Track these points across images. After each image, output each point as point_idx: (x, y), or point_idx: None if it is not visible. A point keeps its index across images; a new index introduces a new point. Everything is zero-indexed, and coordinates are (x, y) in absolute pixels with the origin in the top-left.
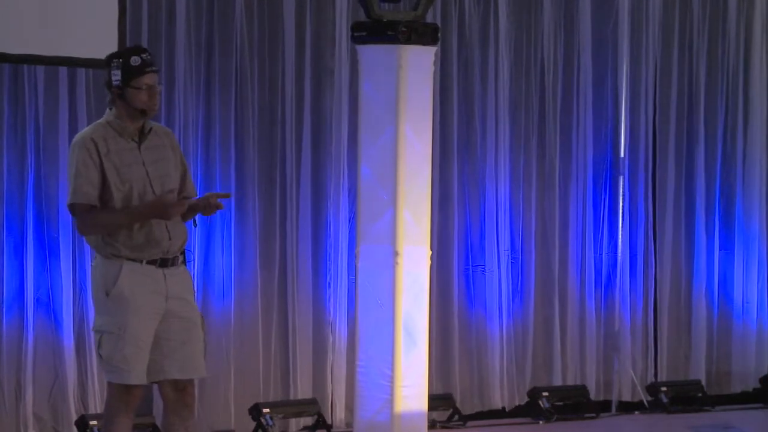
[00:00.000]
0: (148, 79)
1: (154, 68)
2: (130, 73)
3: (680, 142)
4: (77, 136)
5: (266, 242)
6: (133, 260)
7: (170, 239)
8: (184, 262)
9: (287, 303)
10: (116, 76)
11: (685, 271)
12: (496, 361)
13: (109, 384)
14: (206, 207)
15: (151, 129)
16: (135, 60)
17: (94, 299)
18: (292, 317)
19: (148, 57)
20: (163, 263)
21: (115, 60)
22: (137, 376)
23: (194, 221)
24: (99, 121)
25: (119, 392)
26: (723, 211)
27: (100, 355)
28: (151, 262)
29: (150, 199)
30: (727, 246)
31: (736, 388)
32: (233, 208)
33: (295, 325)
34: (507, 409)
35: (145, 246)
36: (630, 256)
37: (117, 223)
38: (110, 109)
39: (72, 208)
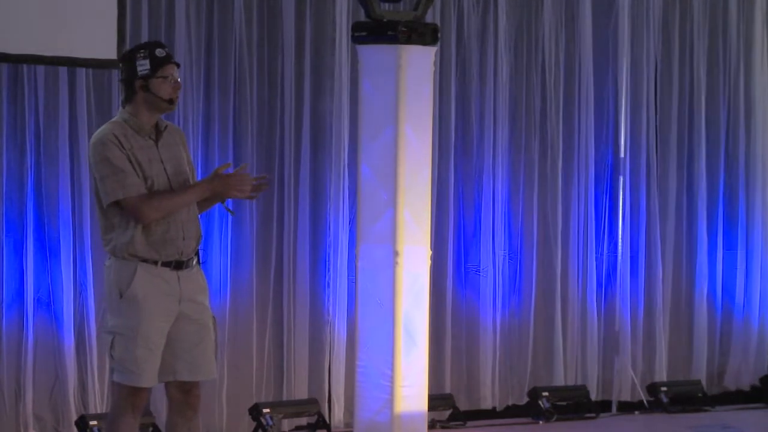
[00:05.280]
0: (172, 70)
1: (177, 61)
2: (158, 63)
3: (681, 141)
4: (97, 135)
5: (264, 242)
6: (148, 261)
7: (184, 239)
8: (198, 262)
9: (284, 303)
10: (144, 65)
11: (686, 271)
12: (496, 361)
13: (117, 384)
14: (238, 187)
15: (166, 126)
16: (160, 52)
17: (108, 300)
18: (290, 317)
19: (169, 51)
20: (178, 265)
21: (141, 51)
22: (148, 378)
23: (228, 208)
24: (114, 119)
25: (127, 393)
26: (725, 210)
27: (111, 356)
28: (165, 264)
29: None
30: (728, 246)
31: (736, 387)
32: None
33: (292, 325)
34: (505, 409)
35: (161, 245)
36: (631, 257)
37: (180, 201)
38: (123, 107)
39: (123, 203)
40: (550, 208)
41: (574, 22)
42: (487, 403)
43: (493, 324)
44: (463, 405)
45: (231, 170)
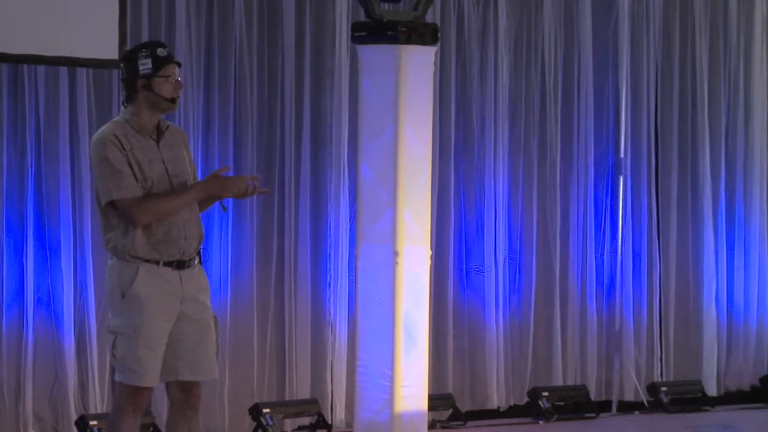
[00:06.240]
0: (173, 69)
1: (178, 61)
2: (160, 62)
3: (683, 141)
4: (98, 135)
5: (264, 242)
6: (150, 261)
7: (185, 239)
8: (200, 262)
9: (285, 303)
10: (146, 64)
11: (689, 271)
12: (500, 362)
13: (119, 384)
14: (233, 188)
15: (167, 127)
16: (162, 51)
17: (110, 300)
18: (290, 317)
19: (170, 51)
20: (180, 265)
21: (143, 50)
22: (150, 378)
23: (222, 206)
24: (115, 119)
25: (129, 393)
26: (726, 210)
27: (113, 356)
28: (167, 264)
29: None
30: (727, 246)
31: (736, 387)
32: (230, 208)
33: (293, 324)
34: (506, 410)
35: (162, 245)
36: (633, 257)
37: (175, 205)
38: (125, 107)
39: (117, 203)
40: (549, 208)
41: (574, 22)
42: (492, 404)
43: (497, 324)
44: (467, 405)
45: (229, 174)
